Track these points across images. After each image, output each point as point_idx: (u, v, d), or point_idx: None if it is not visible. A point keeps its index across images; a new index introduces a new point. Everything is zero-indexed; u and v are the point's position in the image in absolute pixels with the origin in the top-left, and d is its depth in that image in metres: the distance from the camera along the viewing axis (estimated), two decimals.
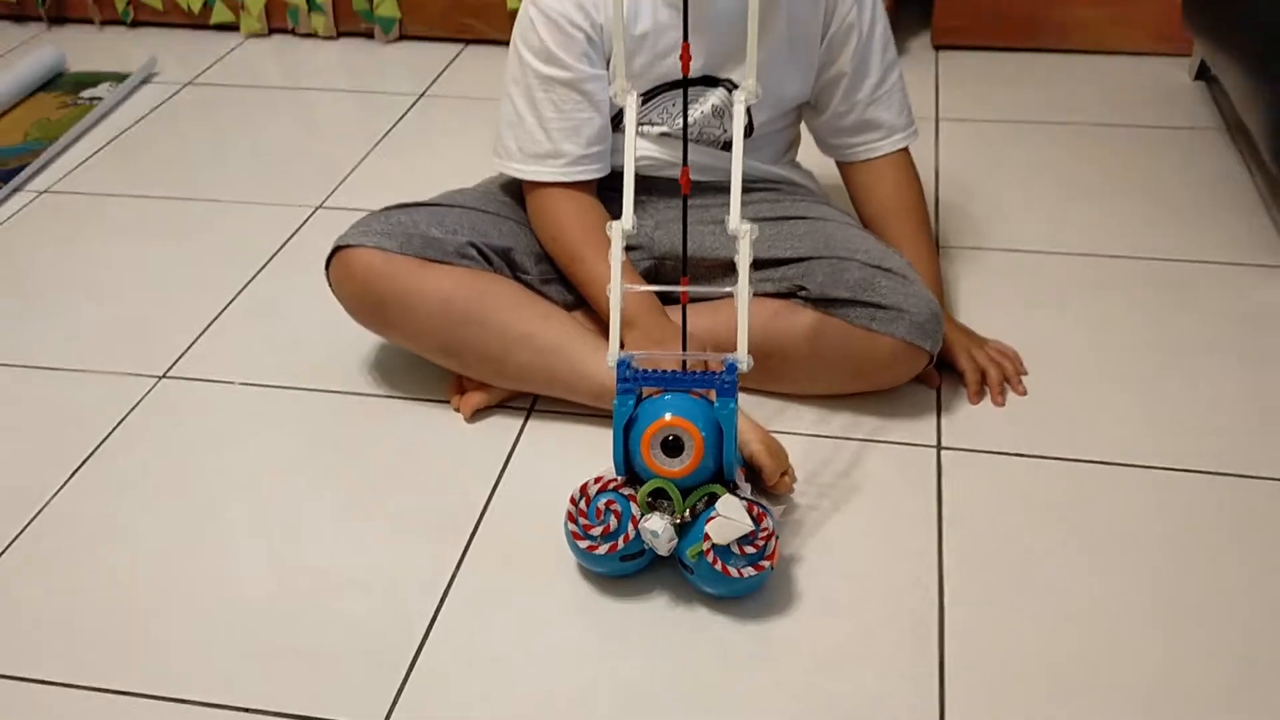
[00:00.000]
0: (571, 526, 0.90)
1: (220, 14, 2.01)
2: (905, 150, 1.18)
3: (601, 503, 0.89)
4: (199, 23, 2.03)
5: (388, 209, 1.11)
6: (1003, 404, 1.10)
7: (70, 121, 1.71)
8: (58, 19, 2.10)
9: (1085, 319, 1.22)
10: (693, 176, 1.09)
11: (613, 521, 0.88)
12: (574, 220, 1.08)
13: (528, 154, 1.09)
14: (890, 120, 1.16)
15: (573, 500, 0.90)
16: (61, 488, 1.04)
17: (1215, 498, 0.99)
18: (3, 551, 0.97)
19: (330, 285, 1.11)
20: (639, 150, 1.09)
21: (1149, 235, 1.36)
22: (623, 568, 0.91)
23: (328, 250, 1.11)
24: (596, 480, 0.90)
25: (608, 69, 1.07)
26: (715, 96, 1.09)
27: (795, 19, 1.08)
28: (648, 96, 1.09)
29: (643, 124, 1.10)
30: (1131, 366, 1.15)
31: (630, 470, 0.90)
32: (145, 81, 1.86)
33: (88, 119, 1.71)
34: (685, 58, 0.85)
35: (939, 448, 1.05)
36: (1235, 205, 1.41)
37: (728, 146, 1.11)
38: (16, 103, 1.78)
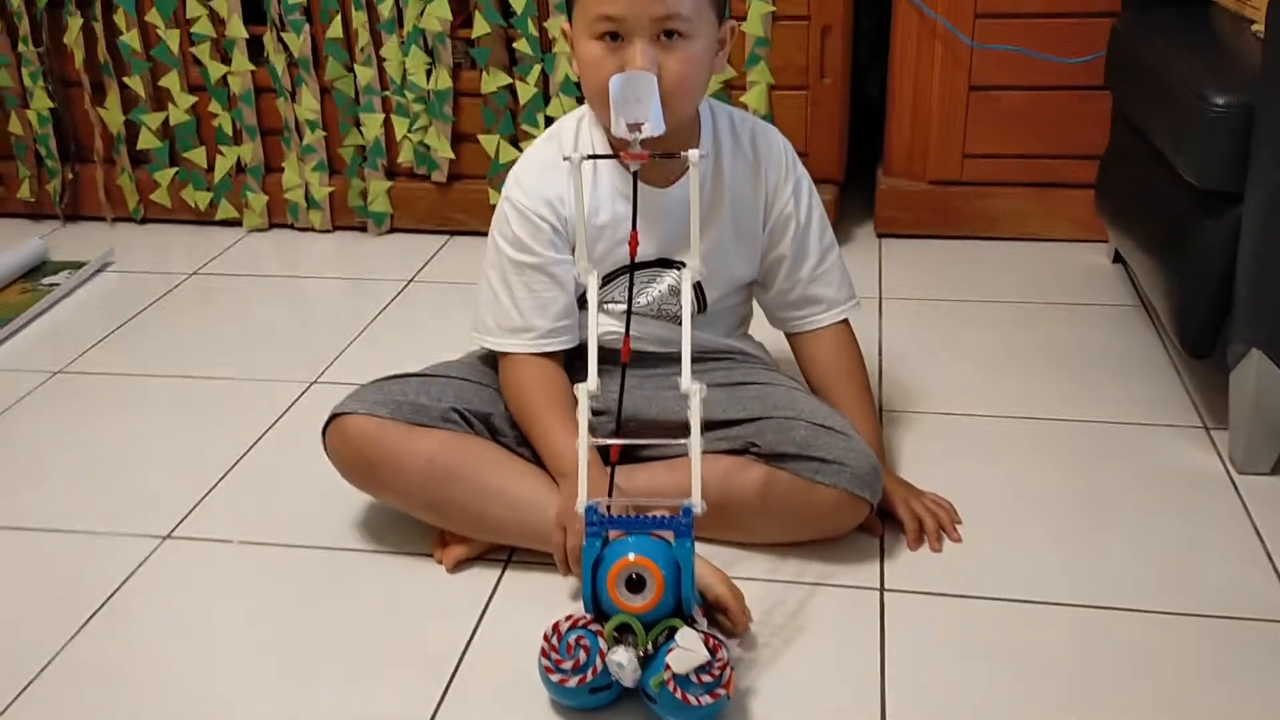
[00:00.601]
0: (544, 661, 0.99)
1: (225, 211, 2.18)
2: (846, 321, 1.32)
3: (572, 638, 0.98)
4: (205, 219, 2.20)
5: (380, 380, 1.24)
6: (939, 550, 1.20)
7: (25, 305, 1.87)
8: (72, 216, 2.27)
9: (1014, 474, 1.34)
10: (652, 349, 1.24)
11: (582, 655, 0.97)
12: (536, 385, 1.20)
13: (503, 329, 1.22)
14: (830, 295, 1.29)
15: (545, 637, 0.99)
16: (70, 640, 1.12)
17: (1131, 632, 1.09)
18: (13, 700, 1.04)
19: (326, 450, 1.22)
20: (605, 325, 1.23)
21: (1071, 400, 1.49)
22: (592, 700, 0.99)
23: (323, 419, 1.22)
24: (568, 618, 0.99)
25: (573, 254, 1.21)
26: (670, 278, 1.24)
27: (739, 211, 1.23)
28: (610, 278, 1.23)
29: (606, 302, 1.24)
30: (1056, 516, 1.26)
31: (598, 608, 0.99)
32: (100, 270, 2.03)
33: (41, 303, 1.88)
34: (633, 244, 1.00)
35: (882, 590, 1.15)
36: (1149, 373, 1.55)
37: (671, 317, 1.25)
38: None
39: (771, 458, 1.16)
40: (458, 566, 1.20)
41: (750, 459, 1.18)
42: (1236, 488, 1.29)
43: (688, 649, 0.94)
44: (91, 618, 1.15)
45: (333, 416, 1.21)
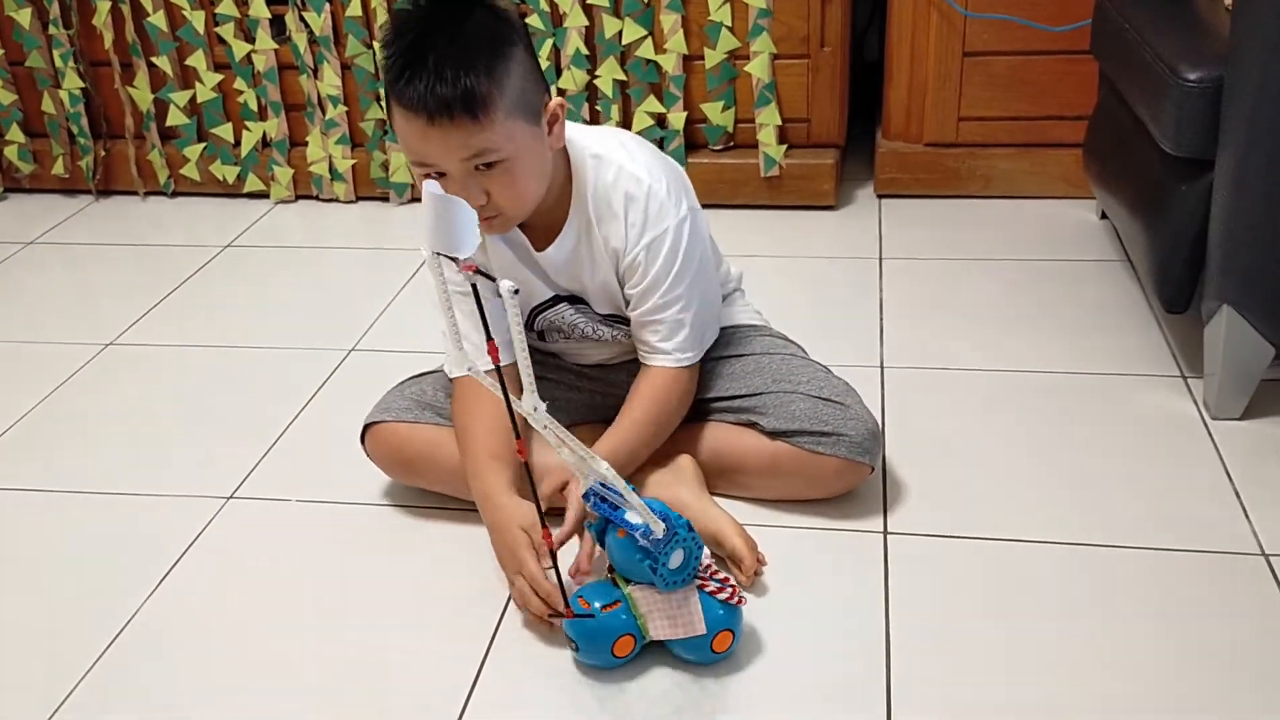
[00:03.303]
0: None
1: (252, 184, 2.28)
2: (671, 371, 1.26)
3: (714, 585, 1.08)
4: (233, 191, 2.30)
5: (400, 384, 1.36)
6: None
7: None
8: (105, 191, 2.36)
9: (1008, 422, 1.45)
10: (623, 359, 1.35)
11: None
12: (485, 417, 1.23)
13: (452, 358, 1.26)
14: (654, 343, 1.26)
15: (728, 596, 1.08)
16: (152, 593, 1.24)
17: (1118, 566, 1.20)
18: (99, 657, 1.16)
19: (366, 454, 1.34)
20: (555, 347, 1.36)
21: (1061, 353, 1.59)
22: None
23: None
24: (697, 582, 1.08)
25: (495, 280, 1.25)
26: (597, 320, 1.30)
27: (610, 249, 1.25)
28: (535, 314, 1.30)
29: (547, 333, 1.33)
30: (1047, 461, 1.37)
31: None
32: None
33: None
34: (493, 353, 1.00)
35: (885, 533, 1.27)
36: (1132, 326, 1.65)
37: (627, 336, 1.32)
38: None
39: (775, 434, 1.27)
40: None
41: (757, 432, 1.28)
42: (1210, 433, 1.40)
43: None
44: (170, 572, 1.27)
45: (367, 426, 1.33)
